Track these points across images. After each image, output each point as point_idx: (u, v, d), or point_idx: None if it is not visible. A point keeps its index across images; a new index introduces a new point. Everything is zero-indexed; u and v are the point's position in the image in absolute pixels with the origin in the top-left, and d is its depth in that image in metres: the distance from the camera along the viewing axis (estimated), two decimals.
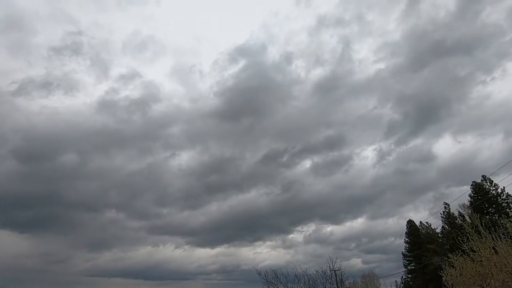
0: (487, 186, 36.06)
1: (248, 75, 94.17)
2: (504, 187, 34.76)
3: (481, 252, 16.03)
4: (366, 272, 50.93)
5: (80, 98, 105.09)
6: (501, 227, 17.06)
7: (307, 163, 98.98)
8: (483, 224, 17.29)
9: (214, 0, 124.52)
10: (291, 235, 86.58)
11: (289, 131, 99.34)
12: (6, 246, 69.74)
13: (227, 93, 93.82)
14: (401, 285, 49.97)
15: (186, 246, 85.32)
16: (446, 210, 40.47)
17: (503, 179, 50.98)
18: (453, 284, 18.93)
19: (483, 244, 16.28)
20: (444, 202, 41.12)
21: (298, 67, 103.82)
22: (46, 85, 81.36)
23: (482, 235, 16.79)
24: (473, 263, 16.85)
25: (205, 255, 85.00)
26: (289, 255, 76.19)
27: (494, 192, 35.37)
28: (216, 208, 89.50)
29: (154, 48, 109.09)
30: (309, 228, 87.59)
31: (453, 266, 19.01)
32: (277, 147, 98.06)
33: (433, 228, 44.85)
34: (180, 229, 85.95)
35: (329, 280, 19.06)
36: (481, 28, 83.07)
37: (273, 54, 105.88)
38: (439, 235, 42.21)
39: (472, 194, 36.62)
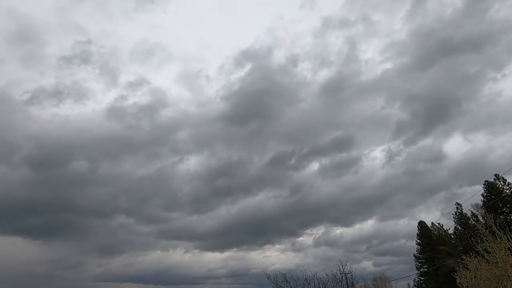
0: (500, 185, 35.23)
1: (254, 78, 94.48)
2: None
3: (496, 253, 15.58)
4: (377, 275, 50.10)
5: (90, 105, 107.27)
6: None
7: (315, 165, 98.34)
8: (497, 224, 16.84)
9: (219, 6, 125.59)
10: (300, 238, 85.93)
11: (297, 133, 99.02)
12: (19, 253, 71.05)
13: (234, 97, 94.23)
14: (414, 287, 49.00)
15: (195, 251, 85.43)
16: (458, 211, 39.65)
17: None
18: (467, 286, 18.46)
19: (498, 245, 15.83)
20: (456, 202, 40.36)
21: (304, 69, 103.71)
22: (57, 94, 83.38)
23: (496, 235, 16.35)
24: (488, 265, 16.40)
25: (214, 259, 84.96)
26: (298, 259, 75.57)
27: (508, 191, 34.53)
28: (224, 212, 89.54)
29: (161, 55, 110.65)
30: (319, 231, 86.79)
31: (467, 268, 18.54)
32: (285, 149, 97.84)
33: (445, 229, 44.00)
34: (189, 234, 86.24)
35: (340, 283, 18.80)
36: (489, 24, 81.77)
37: (278, 57, 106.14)
38: (452, 236, 41.34)
39: (485, 194, 35.82)
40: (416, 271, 46.07)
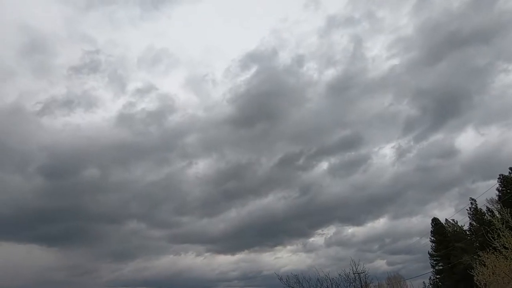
0: None
1: (260, 80, 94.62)
2: None
3: None
4: (392, 274, 49.40)
5: (100, 113, 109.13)
6: None
7: (324, 165, 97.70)
8: None
9: (223, 11, 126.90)
10: (312, 239, 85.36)
11: (304, 133, 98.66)
12: (36, 260, 72.51)
13: (240, 99, 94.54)
14: (430, 286, 48.02)
15: (207, 254, 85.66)
16: (473, 206, 38.74)
17: None
18: (485, 283, 17.99)
19: None
20: (470, 198, 39.44)
21: (310, 69, 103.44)
22: (68, 103, 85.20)
23: None
24: (506, 261, 15.97)
25: (226, 262, 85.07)
26: (310, 259, 75.13)
27: None
28: (234, 215, 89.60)
29: (167, 61, 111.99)
30: (330, 231, 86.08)
31: (484, 265, 18.09)
32: (293, 150, 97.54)
33: (460, 225, 43.02)
34: (200, 237, 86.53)
35: (353, 283, 18.56)
36: (498, 15, 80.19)
37: (284, 58, 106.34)
38: (467, 233, 40.40)
39: (500, 188, 34.92)
40: (431, 269, 45.17)
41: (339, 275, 18.20)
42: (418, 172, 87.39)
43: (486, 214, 35.62)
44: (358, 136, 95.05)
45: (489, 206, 35.74)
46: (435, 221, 45.71)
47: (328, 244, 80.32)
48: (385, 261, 71.41)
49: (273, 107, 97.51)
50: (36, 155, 75.38)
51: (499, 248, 16.51)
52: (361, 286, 21.46)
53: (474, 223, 38.21)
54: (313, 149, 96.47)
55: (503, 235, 16.15)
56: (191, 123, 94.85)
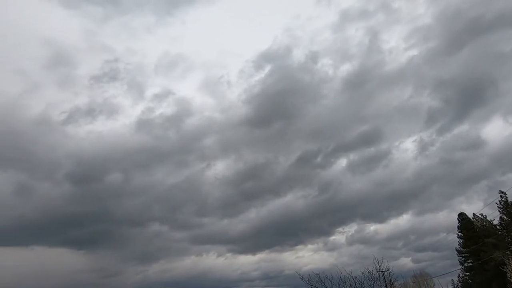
0: None
1: (275, 79, 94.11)
2: None
3: None
4: (418, 272, 47.80)
5: (120, 120, 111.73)
6: None
7: (343, 162, 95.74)
8: None
9: (236, 12, 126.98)
10: (333, 237, 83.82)
11: (321, 131, 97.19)
12: (67, 263, 75.58)
13: (255, 100, 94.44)
14: (459, 284, 46.20)
15: (228, 254, 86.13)
16: (503, 199, 36.90)
17: None
18: None
19: None
20: (500, 191, 37.54)
21: (325, 65, 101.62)
22: (90, 112, 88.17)
23: None
24: None
25: (247, 262, 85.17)
26: (332, 258, 73.82)
27: None
28: (254, 215, 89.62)
29: (183, 65, 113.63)
30: (351, 229, 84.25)
31: None
32: (310, 148, 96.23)
33: (489, 220, 41.12)
34: (221, 238, 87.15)
35: (377, 282, 18.18)
36: None
37: (298, 56, 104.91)
38: (497, 227, 38.55)
39: None
40: (460, 266, 43.43)
41: (362, 273, 17.94)
42: (442, 165, 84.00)
43: None
44: (377, 131, 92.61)
45: None
46: (462, 216, 43.95)
47: (350, 242, 78.81)
48: (410, 258, 69.05)
49: (288, 105, 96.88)
50: (63, 162, 78.72)
51: None
52: (386, 285, 20.97)
53: (505, 217, 36.42)
54: (331, 146, 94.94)
55: None
56: (208, 125, 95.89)
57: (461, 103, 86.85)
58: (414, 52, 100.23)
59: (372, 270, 18.25)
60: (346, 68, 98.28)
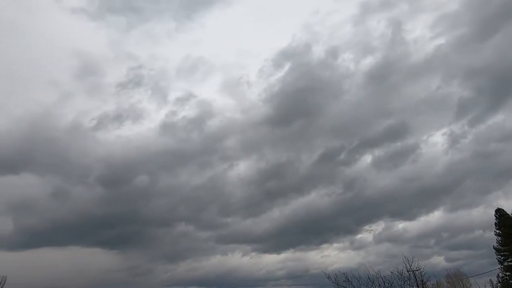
0: None
1: (294, 77, 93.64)
2: None
3: None
4: (452, 271, 45.68)
5: (146, 124, 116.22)
6: None
7: (367, 158, 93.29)
8: None
9: (254, 12, 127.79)
10: (359, 235, 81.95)
11: (344, 127, 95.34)
12: (100, 262, 79.71)
13: (275, 98, 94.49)
14: (498, 284, 43.53)
15: (253, 253, 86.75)
16: None
17: None
18: None
19: None
20: None
21: (346, 60, 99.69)
22: (118, 118, 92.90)
23: None
24: None
25: (272, 261, 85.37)
26: (359, 257, 72.22)
27: None
28: (278, 214, 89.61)
29: (203, 68, 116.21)
30: (379, 227, 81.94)
31: None
32: (333, 145, 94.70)
33: None
34: (246, 237, 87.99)
35: (408, 282, 17.59)
36: None
37: (318, 52, 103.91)
38: None
39: None
40: (499, 266, 40.92)
41: (392, 273, 17.44)
42: (476, 158, 79.57)
43: None
44: (403, 125, 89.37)
45: None
46: (499, 212, 41.37)
47: (378, 240, 76.69)
48: (443, 257, 66.11)
49: (309, 103, 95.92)
50: (94, 166, 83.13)
51: None
52: (417, 285, 20.23)
53: None
54: (355, 142, 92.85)
55: None
56: (229, 126, 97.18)
57: (495, 91, 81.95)
58: (441, 40, 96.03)
59: (402, 270, 17.72)
60: (368, 62, 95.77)
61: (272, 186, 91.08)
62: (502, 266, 40.53)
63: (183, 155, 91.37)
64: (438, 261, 61.58)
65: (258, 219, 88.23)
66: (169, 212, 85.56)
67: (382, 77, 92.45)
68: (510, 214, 40.75)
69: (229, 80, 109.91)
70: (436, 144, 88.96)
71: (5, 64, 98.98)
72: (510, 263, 39.19)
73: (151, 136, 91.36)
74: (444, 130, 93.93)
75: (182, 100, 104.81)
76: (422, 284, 20.44)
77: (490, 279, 46.02)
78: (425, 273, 20.17)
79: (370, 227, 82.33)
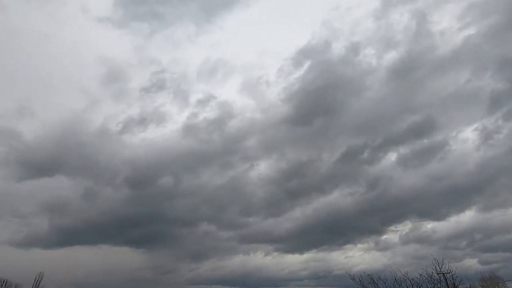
0: None
1: (314, 75, 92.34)
2: None
3: None
4: (486, 275, 43.19)
5: (169, 127, 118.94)
6: None
7: (392, 156, 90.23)
8: None
9: (272, 11, 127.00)
10: (385, 236, 79.46)
11: (367, 124, 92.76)
12: (128, 261, 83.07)
13: (294, 97, 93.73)
14: None
15: (275, 253, 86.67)
16: None
17: None
18: None
19: None
20: None
21: (367, 55, 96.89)
22: (142, 121, 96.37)
23: None
24: None
25: (294, 261, 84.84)
26: (385, 258, 70.13)
27: None
28: (300, 214, 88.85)
29: (223, 70, 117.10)
30: (405, 227, 78.95)
31: None
32: (355, 143, 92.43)
33: None
34: (267, 237, 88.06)
35: (438, 285, 16.83)
36: None
37: (338, 49, 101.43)
38: None
39: None
40: None
41: (420, 275, 16.76)
42: (511, 154, 74.69)
43: None
44: (430, 121, 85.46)
45: None
46: None
47: (404, 241, 73.99)
48: (476, 259, 62.83)
49: (330, 100, 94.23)
50: (121, 169, 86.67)
51: None
52: None
53: None
54: (378, 140, 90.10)
55: None
56: (249, 126, 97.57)
57: None
58: (470, 31, 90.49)
59: (432, 272, 16.97)
60: (391, 57, 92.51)
61: (293, 186, 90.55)
62: None
63: (205, 156, 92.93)
64: (471, 263, 58.65)
65: (280, 219, 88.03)
66: (192, 212, 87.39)
67: (406, 71, 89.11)
68: None
69: (249, 81, 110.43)
70: (466, 140, 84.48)
71: (40, 74, 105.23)
72: None
73: (174, 138, 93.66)
74: (476, 125, 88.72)
75: (203, 102, 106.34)
76: (454, 287, 19.46)
77: None
78: (457, 276, 19.21)
79: (396, 227, 79.56)
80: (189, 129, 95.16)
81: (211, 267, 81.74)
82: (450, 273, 19.45)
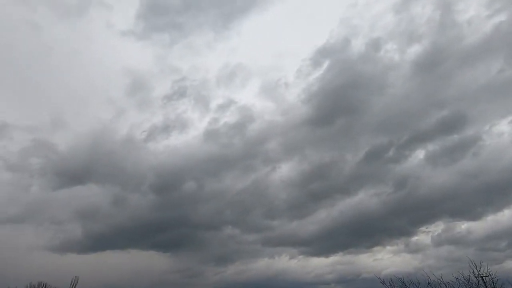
0: None
1: (333, 75, 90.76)
2: None
3: None
4: None
5: (191, 133, 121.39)
6: None
7: (419, 154, 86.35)
8: None
9: (289, 12, 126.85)
10: (415, 237, 75.94)
11: (391, 122, 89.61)
12: (156, 264, 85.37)
13: (314, 98, 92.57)
14: None
15: (300, 256, 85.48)
16: None
17: None
18: None
19: None
20: None
21: (389, 51, 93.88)
22: (166, 128, 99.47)
23: None
24: None
25: (320, 264, 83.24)
26: (416, 261, 66.87)
27: None
28: (324, 216, 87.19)
29: (242, 74, 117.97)
30: (437, 228, 75.01)
31: None
32: (380, 141, 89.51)
33: None
34: (292, 240, 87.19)
35: None
36: None
37: (357, 46, 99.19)
38: None
39: None
40: None
41: (456, 278, 15.77)
42: None
43: None
44: (460, 115, 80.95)
45: None
46: None
47: (437, 242, 70.29)
48: None
49: (351, 99, 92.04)
50: (146, 175, 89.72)
51: None
52: None
53: None
54: (404, 138, 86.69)
55: None
56: (270, 129, 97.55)
57: None
58: (501, 17, 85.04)
59: (469, 275, 15.92)
60: (414, 50, 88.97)
61: (316, 188, 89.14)
62: None
63: (227, 160, 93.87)
64: None
65: (304, 222, 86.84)
66: (216, 216, 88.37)
67: (432, 65, 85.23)
68: None
69: (267, 84, 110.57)
70: (502, 134, 79.23)
71: (70, 87, 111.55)
72: None
73: (196, 144, 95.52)
74: (511, 117, 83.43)
75: (223, 107, 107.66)
76: None
77: None
78: (497, 280, 17.90)
79: (427, 228, 75.82)
80: (210, 134, 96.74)
81: (236, 271, 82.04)
82: (489, 276, 18.19)
